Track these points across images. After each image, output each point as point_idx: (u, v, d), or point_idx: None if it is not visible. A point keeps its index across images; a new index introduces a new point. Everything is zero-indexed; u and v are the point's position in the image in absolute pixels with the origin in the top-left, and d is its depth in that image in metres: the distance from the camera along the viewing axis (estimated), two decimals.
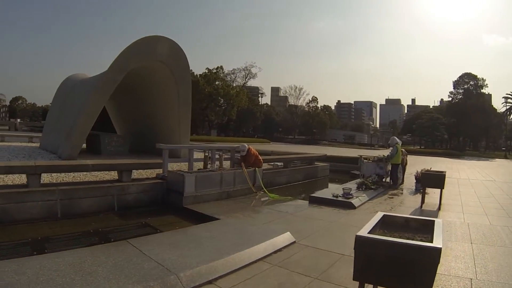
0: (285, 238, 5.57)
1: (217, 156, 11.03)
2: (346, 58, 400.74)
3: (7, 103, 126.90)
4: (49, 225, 6.57)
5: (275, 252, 5.05)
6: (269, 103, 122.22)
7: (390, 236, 3.20)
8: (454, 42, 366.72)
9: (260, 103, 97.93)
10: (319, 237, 5.95)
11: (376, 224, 3.44)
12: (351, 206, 8.54)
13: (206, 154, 10.59)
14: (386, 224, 3.60)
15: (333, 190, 10.17)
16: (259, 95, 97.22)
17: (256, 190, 10.19)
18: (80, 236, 6.25)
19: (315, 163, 17.65)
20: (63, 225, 6.64)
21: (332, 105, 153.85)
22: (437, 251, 2.64)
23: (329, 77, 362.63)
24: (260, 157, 11.29)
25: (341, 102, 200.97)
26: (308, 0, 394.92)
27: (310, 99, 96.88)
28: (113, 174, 8.99)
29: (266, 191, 10.11)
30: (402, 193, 11.29)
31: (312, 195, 9.74)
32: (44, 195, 6.73)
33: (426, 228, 3.39)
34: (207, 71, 70.12)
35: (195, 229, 6.04)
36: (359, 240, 2.86)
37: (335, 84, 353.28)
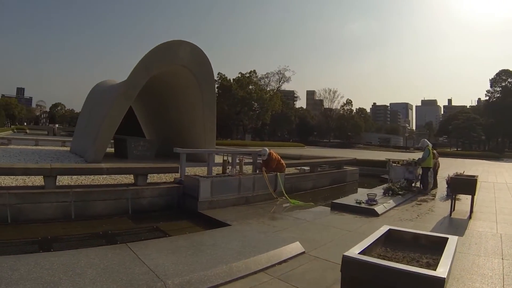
0: (293, 248, 5.21)
1: (237, 161, 10.84)
2: (381, 59, 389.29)
3: (47, 109, 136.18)
4: (62, 226, 6.71)
5: (280, 263, 4.71)
6: (304, 106, 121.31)
7: (393, 256, 2.80)
8: (491, 39, 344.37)
9: (295, 106, 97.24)
10: (332, 248, 5.53)
11: (378, 239, 3.03)
12: (374, 214, 8.02)
13: (225, 158, 10.43)
14: (392, 240, 3.18)
15: (359, 195, 9.63)
16: (294, 98, 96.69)
17: (276, 195, 9.86)
18: (88, 237, 6.32)
19: (344, 167, 17.02)
20: (76, 226, 6.76)
21: (368, 108, 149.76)
22: (440, 282, 2.14)
23: (364, 79, 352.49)
24: (283, 162, 10.97)
25: (377, 104, 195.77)
26: (341, 2, 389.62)
27: (345, 102, 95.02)
28: (132, 178, 9.01)
29: (287, 197, 9.76)
30: (432, 199, 10.45)
31: (334, 201, 9.21)
32: (58, 197, 6.90)
33: (437, 247, 2.92)
34: (240, 76, 70.51)
35: (201, 235, 5.86)
36: (346, 261, 2.43)
37: (370, 86, 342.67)
